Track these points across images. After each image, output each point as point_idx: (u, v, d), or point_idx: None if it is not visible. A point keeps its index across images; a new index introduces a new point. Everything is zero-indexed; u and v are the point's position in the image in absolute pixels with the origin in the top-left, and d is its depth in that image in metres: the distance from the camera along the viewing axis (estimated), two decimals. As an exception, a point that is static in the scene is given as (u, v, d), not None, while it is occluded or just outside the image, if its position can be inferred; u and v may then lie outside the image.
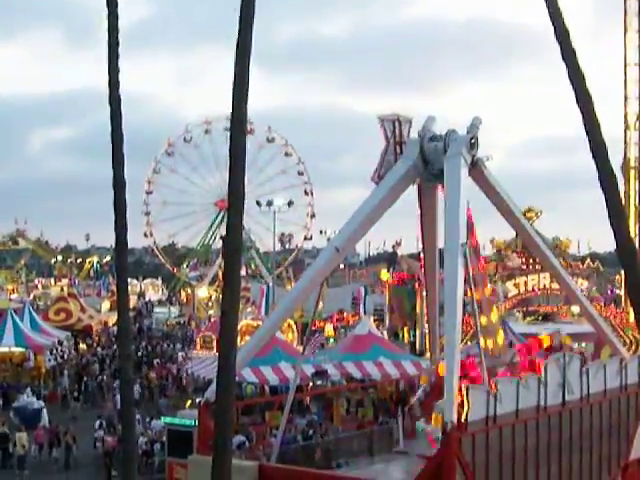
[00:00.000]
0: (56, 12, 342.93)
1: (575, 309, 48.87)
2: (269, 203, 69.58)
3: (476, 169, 24.82)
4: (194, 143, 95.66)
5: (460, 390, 20.70)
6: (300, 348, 33.72)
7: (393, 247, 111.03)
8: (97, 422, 36.21)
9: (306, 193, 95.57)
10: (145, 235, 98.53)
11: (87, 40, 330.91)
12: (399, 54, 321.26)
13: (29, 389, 42.26)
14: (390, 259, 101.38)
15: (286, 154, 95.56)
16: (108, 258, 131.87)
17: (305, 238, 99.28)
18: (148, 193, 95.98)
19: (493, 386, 22.07)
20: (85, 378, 49.28)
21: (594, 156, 13.51)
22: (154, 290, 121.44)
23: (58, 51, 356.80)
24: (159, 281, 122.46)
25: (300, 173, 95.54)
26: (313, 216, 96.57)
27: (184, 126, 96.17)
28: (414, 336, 52.31)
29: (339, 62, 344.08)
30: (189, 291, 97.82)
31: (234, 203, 14.14)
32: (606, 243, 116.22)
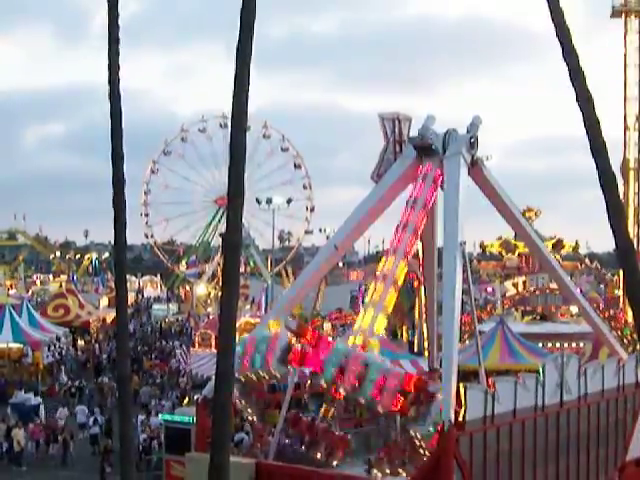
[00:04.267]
0: (48, 8, 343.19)
1: (573, 309, 48.89)
2: (269, 201, 69.60)
3: (476, 169, 24.84)
4: (176, 153, 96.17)
5: (458, 389, 20.73)
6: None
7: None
8: (91, 419, 36.30)
9: (305, 187, 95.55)
10: (146, 236, 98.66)
11: (80, 35, 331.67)
12: (393, 52, 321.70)
13: (21, 391, 41.84)
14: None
15: (282, 149, 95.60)
16: (107, 254, 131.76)
17: (306, 232, 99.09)
18: (146, 193, 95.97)
19: (491, 385, 22.09)
20: (78, 382, 48.33)
21: (594, 156, 13.49)
22: (153, 287, 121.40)
23: (51, 47, 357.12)
24: (158, 278, 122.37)
25: (297, 166, 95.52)
26: (312, 210, 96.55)
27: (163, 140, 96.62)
28: (412, 335, 52.31)
29: (332, 60, 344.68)
30: (188, 288, 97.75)
31: (234, 200, 14.13)
32: (604, 243, 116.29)
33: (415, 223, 24.43)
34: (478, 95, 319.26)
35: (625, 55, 64.82)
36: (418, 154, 24.85)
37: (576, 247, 61.13)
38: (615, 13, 64.35)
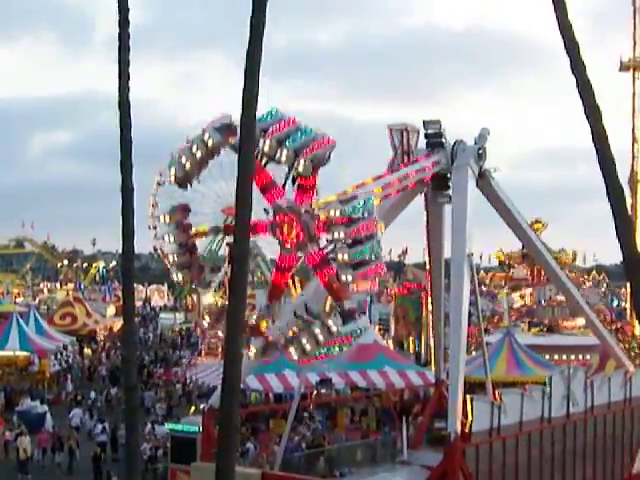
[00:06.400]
0: (54, 15, 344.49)
1: (580, 321, 48.83)
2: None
3: (484, 180, 24.85)
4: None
5: (464, 401, 20.72)
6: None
7: (399, 257, 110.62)
8: (99, 427, 36.32)
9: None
10: (154, 249, 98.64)
11: (85, 43, 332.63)
12: (397, 63, 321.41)
13: (29, 399, 41.82)
14: (396, 269, 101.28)
15: None
16: (114, 263, 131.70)
17: None
18: (154, 206, 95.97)
19: (498, 397, 22.06)
20: (93, 394, 47.97)
21: (602, 168, 13.50)
22: (160, 296, 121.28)
23: (56, 54, 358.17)
24: (165, 287, 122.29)
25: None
26: None
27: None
28: (419, 346, 52.30)
29: (337, 70, 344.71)
30: (195, 297, 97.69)
31: (241, 210, 14.15)
32: (612, 255, 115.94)
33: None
34: (483, 106, 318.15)
35: (634, 69, 65.09)
36: (428, 144, 24.90)
37: (573, 258, 61.03)
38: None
